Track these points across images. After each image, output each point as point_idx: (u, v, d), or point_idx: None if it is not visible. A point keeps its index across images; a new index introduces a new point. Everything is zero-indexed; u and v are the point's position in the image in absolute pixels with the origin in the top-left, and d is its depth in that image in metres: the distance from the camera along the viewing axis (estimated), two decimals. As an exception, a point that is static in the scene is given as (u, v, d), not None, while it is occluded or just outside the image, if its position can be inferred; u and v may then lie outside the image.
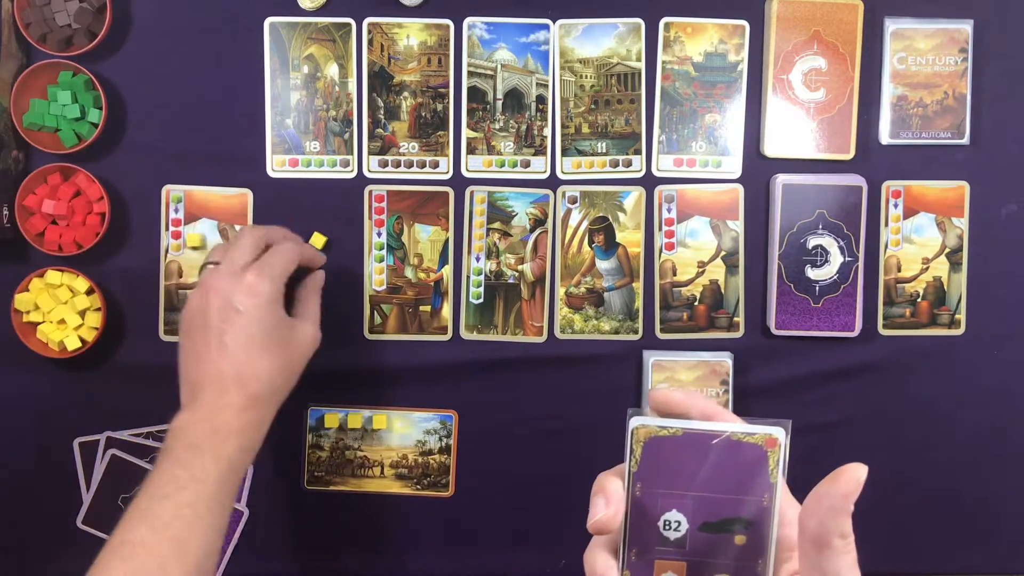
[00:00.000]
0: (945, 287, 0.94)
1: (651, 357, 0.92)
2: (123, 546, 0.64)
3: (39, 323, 0.91)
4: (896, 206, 0.92)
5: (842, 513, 0.39)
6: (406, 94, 0.93)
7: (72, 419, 0.93)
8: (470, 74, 0.93)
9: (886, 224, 0.93)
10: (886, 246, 0.93)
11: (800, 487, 0.95)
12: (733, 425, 0.41)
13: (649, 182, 0.94)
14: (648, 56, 0.93)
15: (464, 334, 0.94)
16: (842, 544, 0.39)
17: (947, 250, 0.94)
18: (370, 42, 0.93)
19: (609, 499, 0.41)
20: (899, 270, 0.93)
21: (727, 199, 0.94)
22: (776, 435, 0.41)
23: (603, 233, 0.94)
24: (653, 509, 0.41)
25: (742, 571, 0.41)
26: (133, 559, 0.63)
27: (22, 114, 0.89)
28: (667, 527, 0.41)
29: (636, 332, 0.94)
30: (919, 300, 0.94)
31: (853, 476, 0.39)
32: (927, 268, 0.94)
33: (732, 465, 0.41)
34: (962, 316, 0.94)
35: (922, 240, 0.94)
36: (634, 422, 0.41)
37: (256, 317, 0.74)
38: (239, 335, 0.73)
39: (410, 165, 0.93)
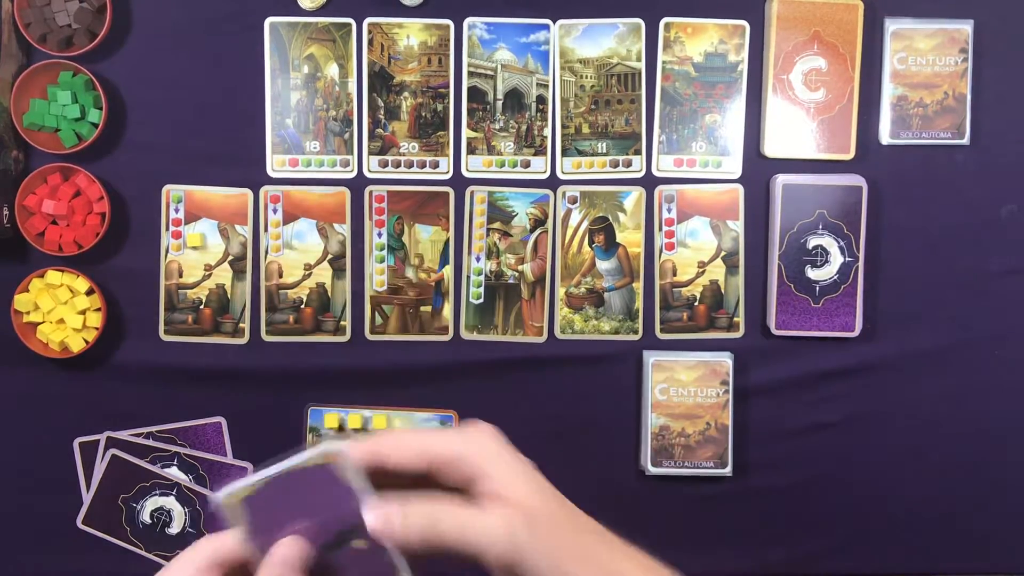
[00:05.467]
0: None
1: (651, 357, 0.92)
2: None
3: (39, 323, 0.91)
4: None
5: (403, 528, 0.40)
6: (406, 94, 0.93)
7: (72, 419, 0.93)
8: (470, 74, 0.93)
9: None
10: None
11: (801, 487, 0.95)
12: (293, 460, 0.44)
13: (649, 182, 0.94)
14: (648, 56, 0.93)
15: (464, 334, 0.94)
16: (431, 528, 0.39)
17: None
18: (370, 42, 0.93)
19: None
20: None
21: (727, 199, 0.94)
22: (333, 450, 0.43)
23: (603, 233, 0.94)
24: None
25: (379, 569, 0.42)
26: None
27: (22, 114, 0.89)
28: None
29: (636, 332, 0.94)
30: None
31: (373, 525, 0.41)
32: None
33: (315, 490, 0.43)
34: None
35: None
36: (222, 496, 0.43)
37: None
38: None
39: (410, 165, 0.93)
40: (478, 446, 0.42)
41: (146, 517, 0.93)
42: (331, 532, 0.42)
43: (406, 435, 0.43)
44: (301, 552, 0.41)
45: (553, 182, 0.93)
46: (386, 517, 0.40)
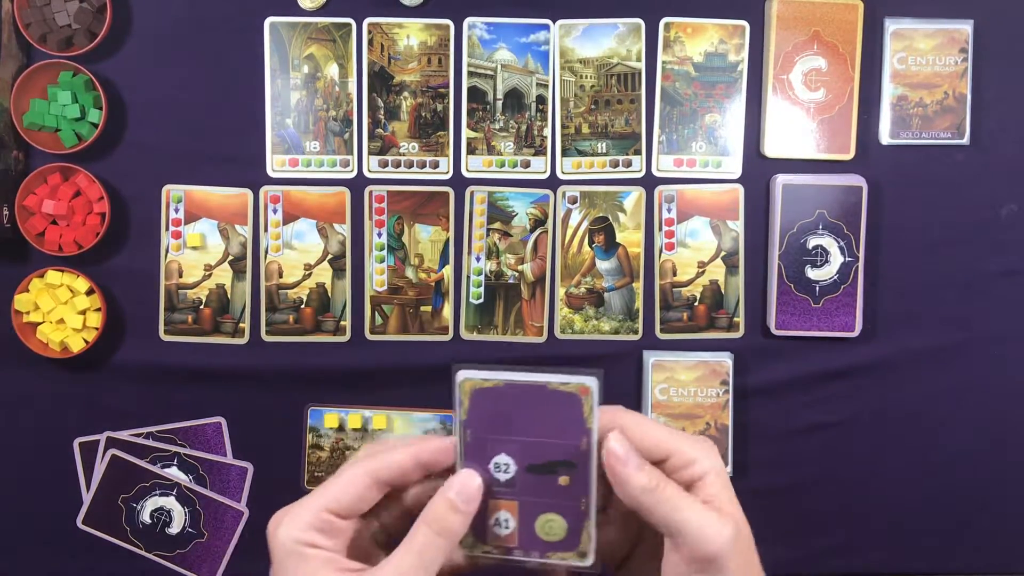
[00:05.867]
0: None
1: (651, 357, 0.92)
2: None
3: (39, 323, 0.91)
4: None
5: (630, 480, 0.42)
6: (406, 94, 0.93)
7: (72, 419, 0.93)
8: (470, 74, 0.93)
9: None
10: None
11: (801, 487, 0.95)
12: (550, 376, 0.44)
13: (649, 182, 0.94)
14: (648, 56, 0.93)
15: (464, 334, 0.94)
16: (649, 498, 0.42)
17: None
18: (370, 42, 0.93)
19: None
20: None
21: (727, 199, 0.94)
22: (588, 384, 0.44)
23: (603, 233, 0.94)
24: (484, 452, 0.45)
25: (567, 509, 0.44)
26: None
27: (22, 114, 0.89)
28: (497, 469, 0.45)
29: (636, 332, 0.94)
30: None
31: (611, 461, 0.42)
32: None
33: (551, 412, 0.44)
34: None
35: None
36: (460, 376, 0.45)
37: None
38: None
39: (410, 165, 0.93)
40: (710, 456, 0.44)
41: (146, 517, 0.93)
42: (543, 457, 0.44)
43: (650, 423, 0.44)
44: (477, 487, 0.43)
45: (553, 182, 0.93)
46: (627, 452, 0.42)
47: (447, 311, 0.94)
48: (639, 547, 0.48)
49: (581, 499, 0.44)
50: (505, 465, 0.45)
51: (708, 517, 0.42)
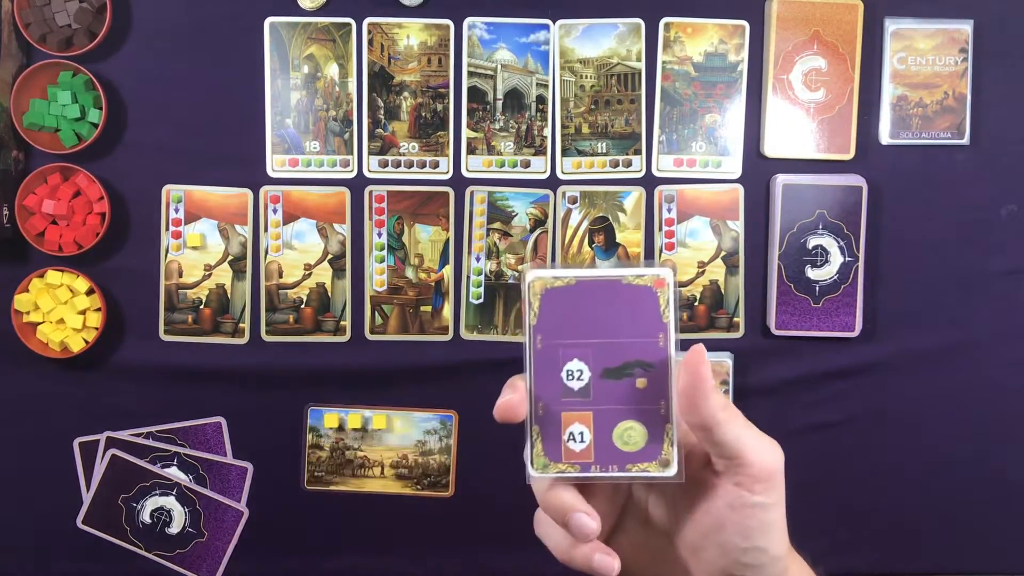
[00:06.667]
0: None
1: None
2: None
3: (39, 323, 0.91)
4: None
5: (708, 396, 0.41)
6: (406, 94, 0.93)
7: (72, 419, 0.93)
8: (470, 74, 0.93)
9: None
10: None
11: (802, 487, 0.95)
12: (622, 270, 0.42)
13: (649, 182, 0.94)
14: (648, 56, 0.93)
15: (464, 334, 0.94)
16: (725, 415, 0.41)
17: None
18: (370, 42, 0.93)
19: (516, 389, 0.42)
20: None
21: (727, 199, 0.94)
22: (664, 275, 0.41)
23: (603, 233, 0.94)
24: (555, 360, 0.42)
25: (645, 414, 0.42)
26: None
27: (22, 114, 0.89)
28: (570, 377, 0.42)
29: (636, 332, 0.94)
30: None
31: (697, 362, 0.41)
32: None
33: (625, 309, 0.41)
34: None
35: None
36: (530, 275, 0.42)
37: None
38: None
39: (410, 165, 0.93)
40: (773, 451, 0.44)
41: (146, 517, 0.93)
42: (619, 359, 0.42)
43: (717, 394, 0.43)
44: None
45: (553, 182, 0.93)
46: (702, 360, 0.40)
47: (447, 311, 0.94)
48: (625, 517, 0.46)
49: (660, 402, 0.41)
50: (578, 372, 0.42)
51: (764, 439, 0.43)
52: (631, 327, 0.41)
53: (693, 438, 0.43)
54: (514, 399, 0.42)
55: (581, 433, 0.42)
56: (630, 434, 0.42)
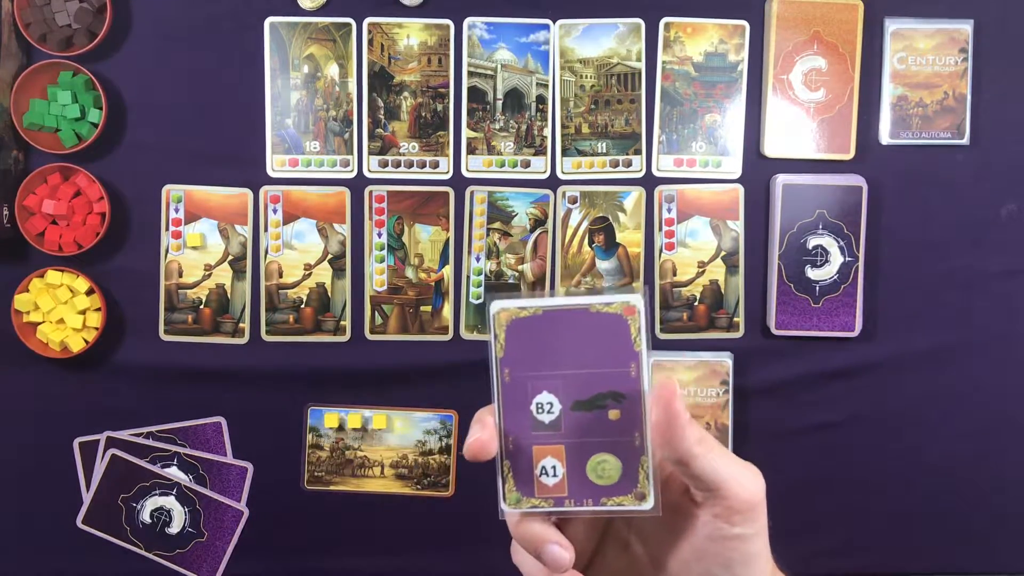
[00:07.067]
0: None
1: (651, 357, 0.92)
2: None
3: (39, 323, 0.91)
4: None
5: (682, 431, 0.39)
6: (406, 94, 0.93)
7: (72, 419, 0.93)
8: (470, 74, 0.93)
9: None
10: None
11: (803, 488, 0.95)
12: (591, 298, 0.40)
13: (649, 182, 0.94)
14: (648, 56, 0.93)
15: (464, 334, 0.94)
16: (702, 449, 0.40)
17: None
18: (370, 42, 0.93)
19: (485, 425, 0.41)
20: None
21: (727, 199, 0.94)
22: (634, 303, 0.40)
23: (603, 233, 0.94)
24: (524, 393, 0.41)
25: (619, 446, 0.40)
26: None
27: (22, 114, 0.89)
28: (540, 410, 0.41)
29: (636, 332, 0.94)
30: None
31: (670, 396, 0.39)
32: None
33: (594, 338, 0.40)
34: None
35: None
36: (494, 306, 0.41)
37: None
38: None
39: (410, 165, 0.93)
40: (754, 480, 0.43)
41: (146, 517, 0.93)
42: (589, 391, 0.40)
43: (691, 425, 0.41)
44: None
45: (553, 182, 0.93)
46: (675, 395, 0.39)
47: (447, 311, 0.94)
48: (605, 543, 0.45)
49: (634, 433, 0.40)
50: (548, 404, 0.41)
51: (744, 469, 0.42)
52: (601, 357, 0.40)
53: (670, 467, 0.42)
54: (483, 437, 0.41)
55: (553, 467, 0.41)
56: (604, 467, 0.41)
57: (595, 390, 0.40)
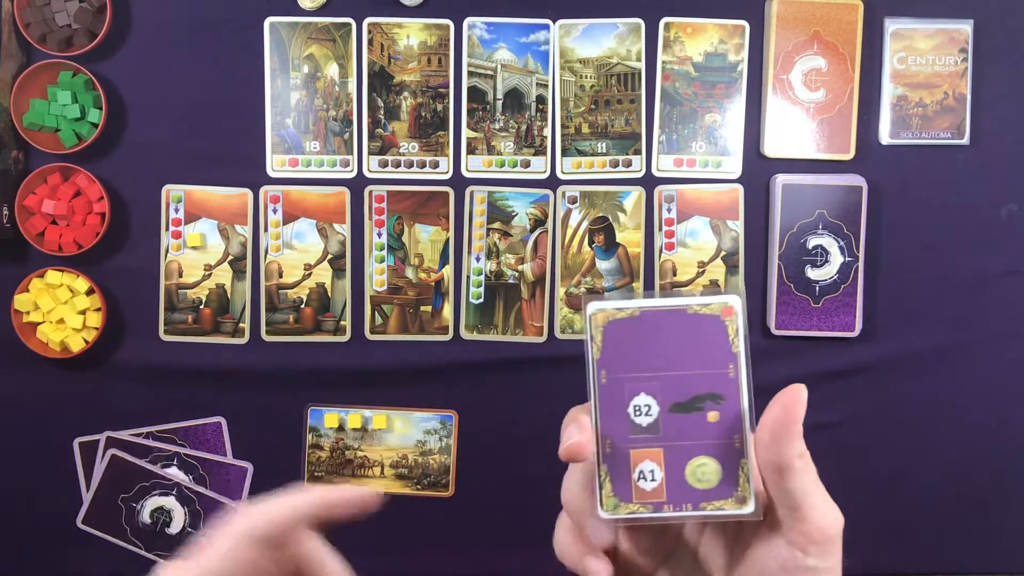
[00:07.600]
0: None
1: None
2: None
3: (39, 323, 0.91)
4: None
5: (794, 438, 0.38)
6: (406, 94, 0.93)
7: (72, 419, 0.93)
8: (470, 74, 0.93)
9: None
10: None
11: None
12: (689, 299, 0.40)
13: (649, 182, 0.94)
14: (648, 56, 0.93)
15: (464, 334, 0.94)
16: (802, 464, 0.39)
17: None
18: (370, 42, 0.93)
19: (582, 427, 0.40)
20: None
21: (727, 199, 0.94)
22: (732, 303, 0.39)
23: (603, 233, 0.94)
24: (621, 396, 0.40)
25: (719, 449, 0.40)
26: None
27: (22, 114, 0.89)
28: (637, 413, 0.40)
29: (636, 332, 0.94)
30: None
31: (795, 400, 0.38)
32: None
33: (692, 339, 0.39)
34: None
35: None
36: (591, 307, 0.40)
37: None
38: None
39: (410, 165, 0.93)
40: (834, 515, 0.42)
41: (146, 517, 0.93)
42: (688, 392, 0.40)
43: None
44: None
45: (553, 182, 0.93)
46: (800, 399, 0.38)
47: (447, 311, 0.94)
48: (677, 553, 0.44)
49: (734, 436, 0.39)
50: (646, 407, 0.40)
51: (829, 501, 0.41)
52: (699, 358, 0.40)
53: (759, 480, 0.41)
54: (582, 439, 0.39)
55: (652, 471, 0.40)
56: (703, 470, 0.40)
57: (693, 392, 0.40)
